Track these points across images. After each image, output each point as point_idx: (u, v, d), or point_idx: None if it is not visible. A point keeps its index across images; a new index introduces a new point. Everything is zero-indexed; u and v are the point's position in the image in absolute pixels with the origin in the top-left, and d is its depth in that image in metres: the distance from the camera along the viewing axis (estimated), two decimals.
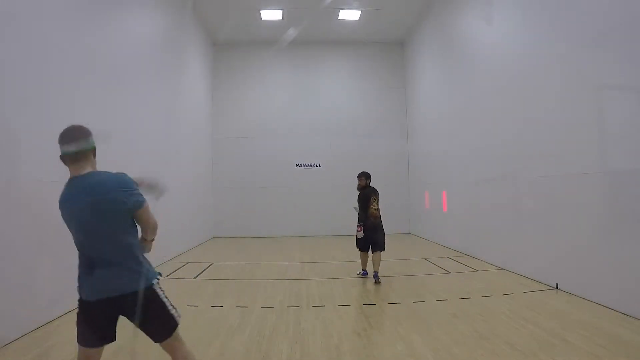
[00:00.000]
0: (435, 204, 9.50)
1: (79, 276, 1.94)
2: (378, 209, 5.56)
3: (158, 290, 2.03)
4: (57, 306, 3.93)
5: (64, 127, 1.94)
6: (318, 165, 11.51)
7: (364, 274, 5.85)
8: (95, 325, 1.95)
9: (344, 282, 5.53)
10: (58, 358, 3.08)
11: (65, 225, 1.93)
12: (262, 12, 9.81)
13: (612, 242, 4.05)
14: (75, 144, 1.90)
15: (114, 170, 2.06)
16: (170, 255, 7.59)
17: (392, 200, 11.57)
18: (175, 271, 6.42)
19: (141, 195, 2.02)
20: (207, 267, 6.77)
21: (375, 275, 5.41)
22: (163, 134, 7.40)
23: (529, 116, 5.48)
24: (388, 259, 7.44)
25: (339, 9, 9.80)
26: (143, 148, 6.37)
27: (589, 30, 4.33)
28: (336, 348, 3.25)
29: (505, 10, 6.11)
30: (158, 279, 2.07)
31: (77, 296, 1.98)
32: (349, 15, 10.10)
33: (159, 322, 2.02)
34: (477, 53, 7.07)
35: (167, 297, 2.07)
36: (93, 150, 2.01)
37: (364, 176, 5.82)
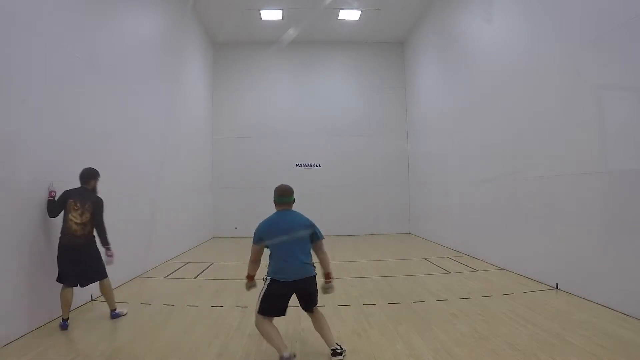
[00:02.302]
0: (435, 204, 9.50)
1: (280, 267, 3.01)
2: (83, 225, 3.73)
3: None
4: (56, 306, 3.93)
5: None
6: (318, 165, 11.51)
7: (63, 325, 3.67)
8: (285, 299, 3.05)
9: (344, 282, 5.52)
10: (58, 358, 3.08)
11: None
12: (262, 12, 9.81)
13: (612, 242, 4.05)
14: (291, 197, 3.31)
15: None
16: (170, 255, 7.59)
17: (392, 200, 11.66)
18: (175, 271, 6.41)
19: (320, 231, 3.23)
20: (207, 267, 6.77)
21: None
22: (163, 134, 7.39)
23: (528, 116, 5.48)
24: (388, 259, 7.45)
25: (339, 9, 9.79)
26: (143, 148, 6.37)
27: (589, 30, 4.33)
28: None
29: (505, 10, 6.11)
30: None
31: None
32: (349, 15, 10.10)
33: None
34: (477, 53, 7.07)
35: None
36: (294, 201, 3.33)
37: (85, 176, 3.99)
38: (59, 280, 3.76)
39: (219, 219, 11.25)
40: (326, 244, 3.29)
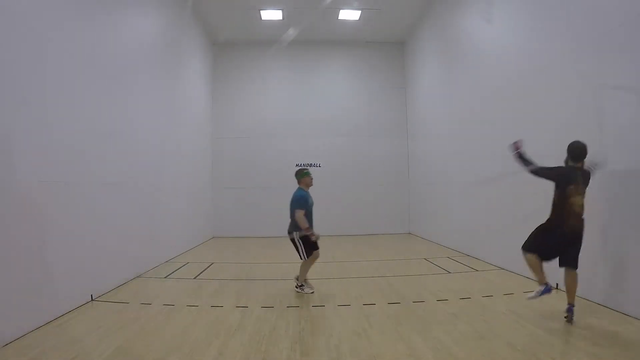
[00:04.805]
0: (435, 204, 9.49)
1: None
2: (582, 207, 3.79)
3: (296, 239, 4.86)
4: (56, 306, 3.93)
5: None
6: (318, 165, 11.50)
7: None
8: None
9: (343, 282, 5.52)
10: (58, 358, 3.08)
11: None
12: (262, 12, 9.80)
13: (612, 242, 4.05)
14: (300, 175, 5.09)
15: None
16: (170, 255, 7.59)
17: (392, 200, 11.67)
18: (175, 271, 6.41)
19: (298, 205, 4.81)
20: (207, 267, 6.77)
21: None
22: (163, 134, 7.39)
23: (529, 116, 5.47)
24: (388, 259, 7.46)
25: (339, 9, 9.79)
26: (143, 148, 6.36)
27: (589, 30, 4.33)
28: (336, 348, 3.25)
29: (506, 10, 6.10)
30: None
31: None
32: (349, 15, 10.09)
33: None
34: (478, 53, 7.07)
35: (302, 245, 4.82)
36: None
37: None
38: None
39: (218, 219, 11.25)
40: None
